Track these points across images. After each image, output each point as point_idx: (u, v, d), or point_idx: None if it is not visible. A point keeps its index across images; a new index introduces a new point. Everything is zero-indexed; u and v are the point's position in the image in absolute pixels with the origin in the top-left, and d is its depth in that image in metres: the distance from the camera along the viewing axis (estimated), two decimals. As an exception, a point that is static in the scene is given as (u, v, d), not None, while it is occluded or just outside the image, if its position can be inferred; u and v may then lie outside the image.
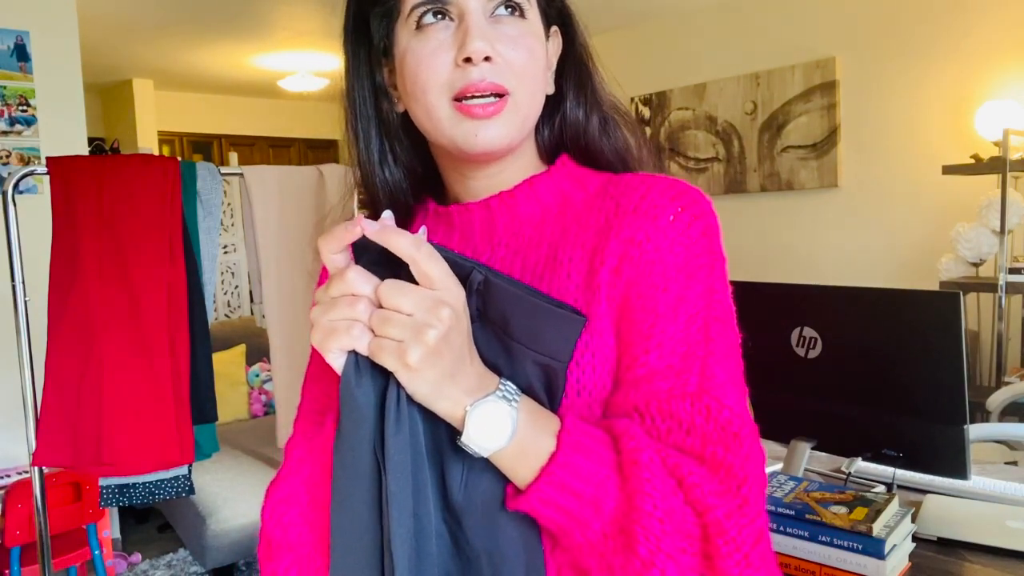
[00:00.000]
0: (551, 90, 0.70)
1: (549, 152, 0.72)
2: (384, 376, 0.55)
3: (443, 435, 0.58)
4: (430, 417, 0.57)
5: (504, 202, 0.68)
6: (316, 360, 0.73)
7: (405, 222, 0.72)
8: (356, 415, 0.56)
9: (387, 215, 0.56)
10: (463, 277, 0.57)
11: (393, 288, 0.52)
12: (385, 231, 0.53)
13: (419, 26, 0.63)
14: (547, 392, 0.60)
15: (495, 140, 0.63)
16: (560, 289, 0.64)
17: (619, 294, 0.62)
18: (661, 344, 0.60)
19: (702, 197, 0.65)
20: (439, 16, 0.62)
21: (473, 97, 0.62)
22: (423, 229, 0.56)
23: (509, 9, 0.63)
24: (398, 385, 0.54)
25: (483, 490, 0.58)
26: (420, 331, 0.51)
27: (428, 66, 0.62)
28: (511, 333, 0.59)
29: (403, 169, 0.71)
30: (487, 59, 0.61)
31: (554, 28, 0.70)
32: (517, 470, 0.56)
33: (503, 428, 0.54)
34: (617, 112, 0.73)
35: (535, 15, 0.66)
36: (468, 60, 0.61)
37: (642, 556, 0.53)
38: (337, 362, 0.55)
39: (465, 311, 0.55)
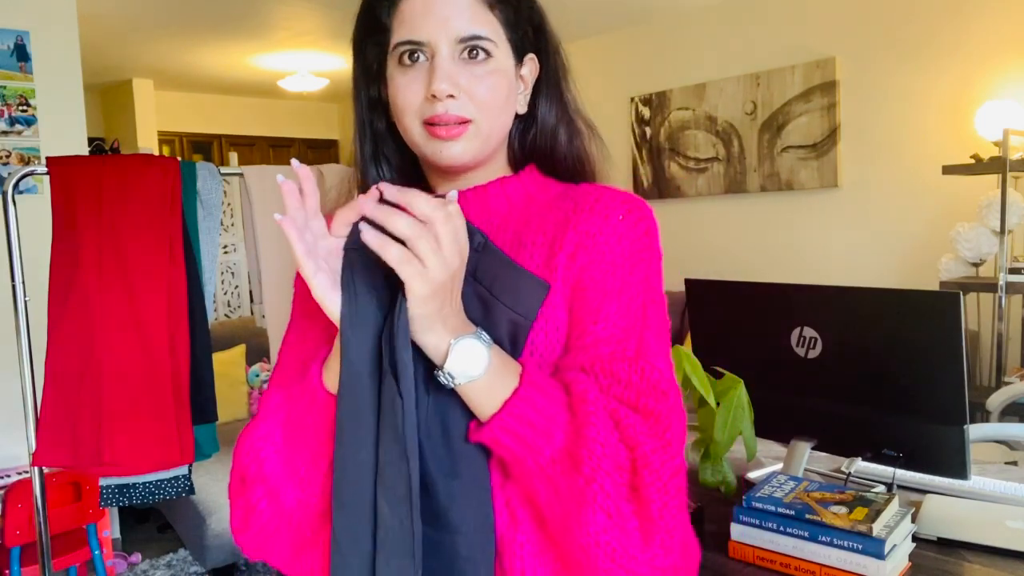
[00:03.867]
0: (523, 109, 0.82)
1: (518, 162, 0.84)
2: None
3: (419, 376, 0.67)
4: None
5: (478, 195, 0.80)
6: (296, 327, 0.84)
7: None
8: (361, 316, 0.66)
9: (371, 189, 0.64)
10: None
11: (442, 215, 0.61)
12: (405, 193, 0.61)
13: (400, 61, 0.75)
14: (511, 345, 0.71)
15: (458, 157, 0.75)
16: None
17: (573, 276, 0.74)
18: (607, 317, 0.72)
19: (645, 204, 0.79)
20: (415, 56, 0.74)
21: (439, 124, 0.74)
22: (454, 192, 0.66)
23: (475, 52, 0.74)
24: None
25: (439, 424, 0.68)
26: (443, 262, 0.61)
27: (405, 95, 0.75)
28: (496, 292, 0.71)
29: (393, 170, 0.84)
30: (451, 96, 0.73)
31: (530, 55, 0.81)
32: (484, 402, 0.66)
33: (479, 362, 0.65)
34: (584, 125, 0.85)
35: (503, 51, 0.77)
36: (435, 96, 0.73)
37: (585, 474, 0.63)
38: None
39: (463, 267, 0.65)
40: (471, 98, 0.74)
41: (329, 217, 0.68)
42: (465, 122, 0.74)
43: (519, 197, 0.81)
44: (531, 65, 0.82)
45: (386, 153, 0.83)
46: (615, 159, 4.45)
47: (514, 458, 0.66)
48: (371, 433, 0.66)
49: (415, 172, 0.84)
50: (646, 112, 4.62)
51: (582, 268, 0.74)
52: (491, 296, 0.71)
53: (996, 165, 2.98)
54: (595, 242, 0.74)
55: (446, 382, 0.66)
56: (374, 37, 0.78)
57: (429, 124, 0.74)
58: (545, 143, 0.83)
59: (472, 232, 0.69)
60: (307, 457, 0.72)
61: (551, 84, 0.83)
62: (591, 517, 0.63)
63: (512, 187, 0.81)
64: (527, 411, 0.65)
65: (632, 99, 4.68)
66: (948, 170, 3.20)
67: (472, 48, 0.74)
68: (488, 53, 0.74)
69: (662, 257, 0.78)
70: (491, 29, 0.75)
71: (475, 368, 0.65)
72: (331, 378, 0.69)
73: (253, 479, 0.73)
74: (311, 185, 0.65)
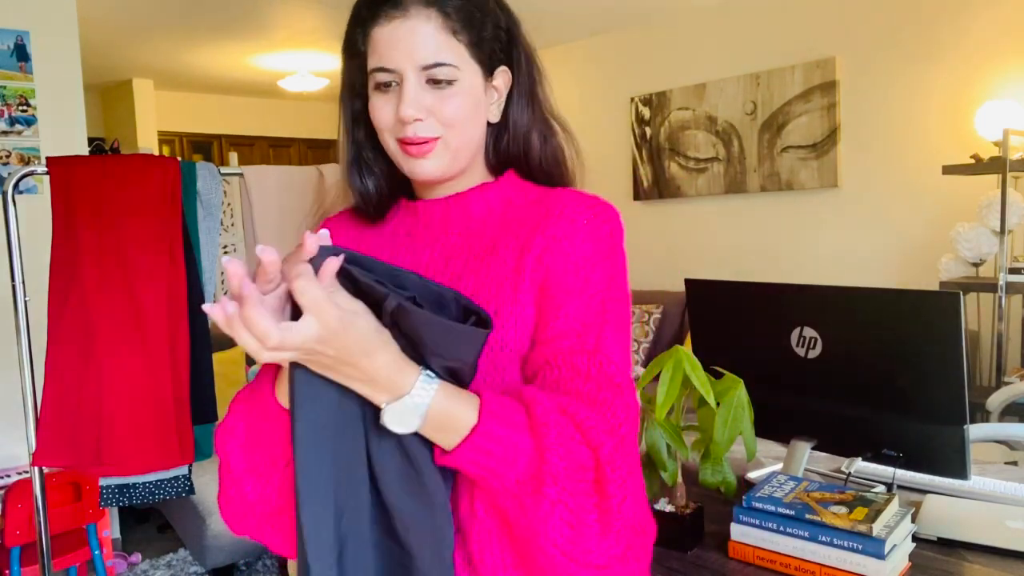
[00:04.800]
0: (496, 119, 0.87)
1: (496, 167, 0.90)
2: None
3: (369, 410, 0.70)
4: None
5: (460, 201, 0.87)
6: None
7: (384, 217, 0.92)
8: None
9: (324, 234, 0.66)
10: (379, 301, 0.67)
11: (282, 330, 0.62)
12: (297, 281, 0.60)
13: (376, 85, 0.82)
14: (456, 381, 0.71)
15: (430, 172, 0.82)
16: (496, 269, 0.82)
17: (540, 276, 0.80)
18: (568, 314, 0.77)
19: (612, 208, 0.84)
20: (387, 84, 0.81)
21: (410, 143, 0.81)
22: (324, 231, 0.66)
23: (436, 81, 0.79)
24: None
25: (395, 459, 0.71)
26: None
27: (380, 116, 0.82)
28: (422, 349, 0.69)
29: (378, 176, 0.90)
30: (418, 119, 0.79)
31: (502, 68, 0.86)
32: (442, 439, 0.69)
33: (412, 422, 0.67)
34: (559, 127, 0.90)
35: (468, 73, 0.81)
36: (403, 120, 0.79)
37: (551, 496, 0.68)
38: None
39: (343, 332, 0.62)
40: (438, 118, 0.80)
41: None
42: (435, 139, 0.80)
43: (498, 202, 0.87)
44: (503, 77, 0.87)
45: (368, 160, 0.90)
46: (615, 159, 4.46)
47: (480, 479, 0.71)
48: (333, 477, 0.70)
49: (400, 178, 0.90)
50: (646, 112, 4.62)
51: (548, 269, 0.79)
52: (420, 349, 0.70)
53: (996, 165, 2.98)
54: (560, 245, 0.80)
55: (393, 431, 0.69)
56: (355, 60, 0.85)
57: (402, 142, 0.81)
58: (519, 149, 0.89)
59: (383, 295, 0.67)
60: (265, 456, 0.77)
61: (523, 91, 0.88)
62: (557, 530, 0.69)
63: (491, 193, 0.87)
64: (486, 443, 0.68)
65: (632, 99, 4.67)
66: (948, 170, 3.20)
67: (434, 79, 0.80)
68: (451, 79, 0.80)
69: (626, 257, 0.83)
70: (454, 55, 0.80)
71: (409, 426, 0.68)
72: (282, 393, 0.73)
73: (223, 469, 0.80)
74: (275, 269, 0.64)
